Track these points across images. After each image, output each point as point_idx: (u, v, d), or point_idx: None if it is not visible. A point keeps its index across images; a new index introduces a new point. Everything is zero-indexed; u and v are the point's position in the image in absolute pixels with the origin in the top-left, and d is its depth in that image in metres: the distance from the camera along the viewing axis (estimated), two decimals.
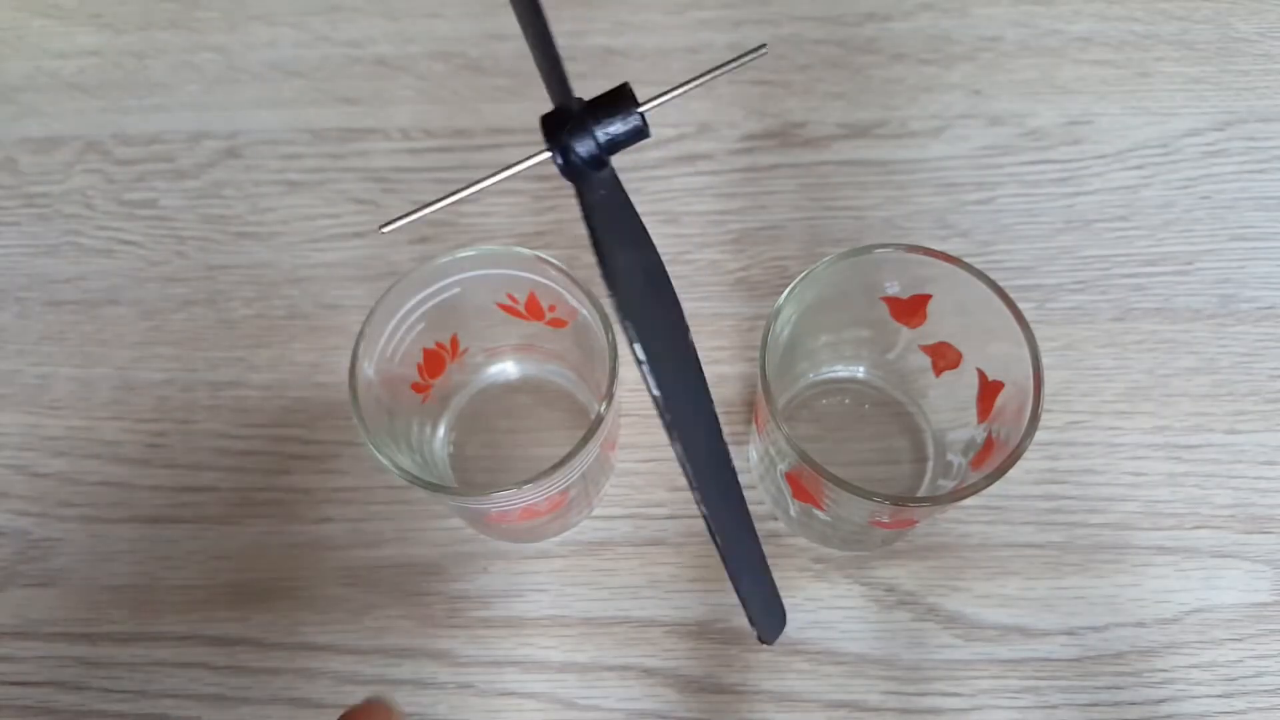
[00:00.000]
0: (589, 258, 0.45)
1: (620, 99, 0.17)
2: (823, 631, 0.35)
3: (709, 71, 0.19)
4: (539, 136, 0.47)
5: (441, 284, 0.32)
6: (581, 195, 0.17)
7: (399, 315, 0.31)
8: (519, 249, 0.31)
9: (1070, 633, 0.35)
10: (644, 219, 0.44)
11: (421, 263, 0.31)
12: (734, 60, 0.19)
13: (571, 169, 0.17)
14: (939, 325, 0.33)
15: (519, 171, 0.20)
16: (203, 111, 0.46)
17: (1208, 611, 0.35)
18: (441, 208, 0.18)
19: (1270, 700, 0.33)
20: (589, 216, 0.17)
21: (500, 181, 0.19)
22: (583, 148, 0.17)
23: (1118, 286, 0.40)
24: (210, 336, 0.41)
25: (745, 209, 0.42)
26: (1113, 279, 0.40)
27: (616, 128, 0.17)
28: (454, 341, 0.35)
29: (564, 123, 0.17)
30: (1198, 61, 0.45)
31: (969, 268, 0.30)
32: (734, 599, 0.35)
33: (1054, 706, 0.34)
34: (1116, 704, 0.34)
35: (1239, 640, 0.34)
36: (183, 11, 0.48)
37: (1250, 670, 0.34)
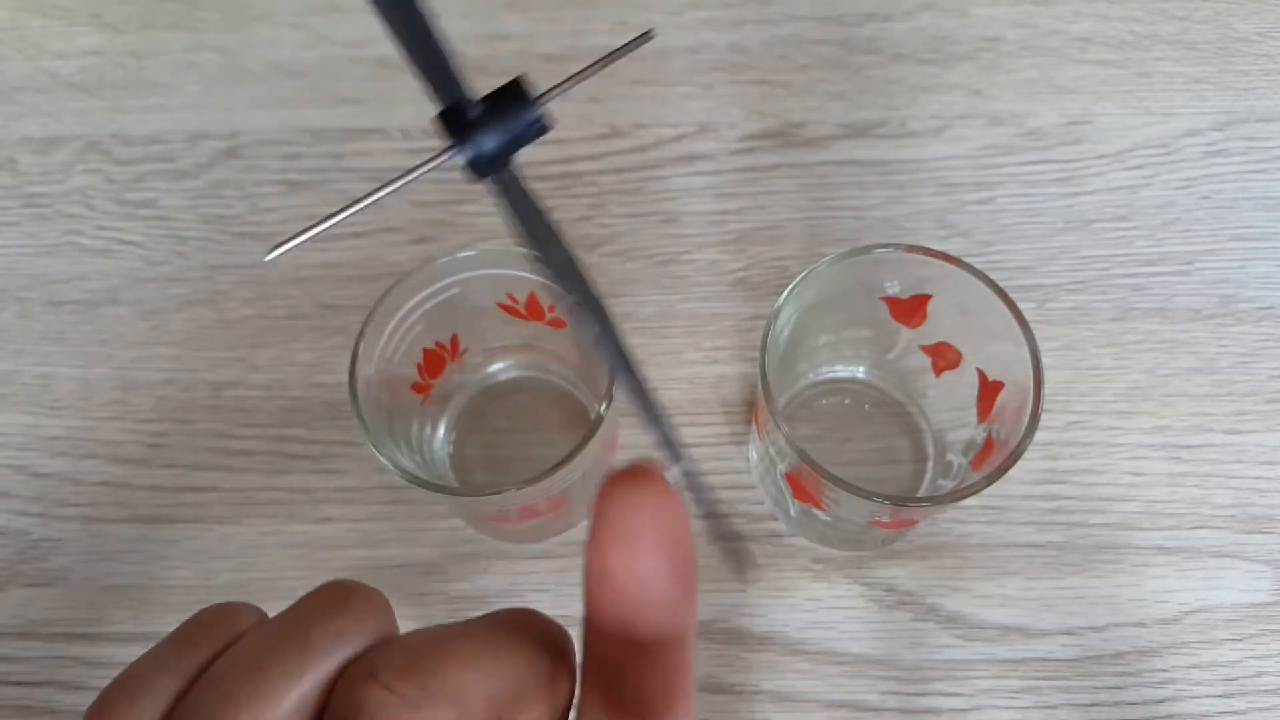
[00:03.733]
0: (589, 258, 0.45)
1: (513, 94, 0.15)
2: (823, 631, 0.35)
3: (602, 60, 0.17)
4: (538, 138, 0.47)
5: (441, 284, 0.32)
6: (505, 192, 0.16)
7: (399, 315, 0.31)
8: (519, 249, 0.31)
9: (1070, 633, 0.35)
10: (644, 219, 0.44)
11: (421, 263, 0.31)
12: (624, 46, 0.17)
13: (482, 164, 0.16)
14: (939, 325, 0.33)
15: (424, 173, 0.18)
16: (203, 111, 0.46)
17: (1208, 611, 0.35)
18: (333, 225, 0.17)
19: (1270, 700, 0.33)
20: (515, 212, 0.16)
21: (402, 187, 0.18)
22: (489, 142, 0.15)
23: (1118, 286, 0.40)
24: (210, 336, 0.41)
25: (745, 209, 0.42)
26: (1113, 279, 0.40)
27: (517, 122, 0.16)
28: (454, 341, 0.35)
29: (461, 119, 0.15)
30: (1198, 61, 0.45)
31: (969, 268, 0.30)
32: (734, 598, 0.35)
33: (1054, 706, 0.34)
34: (1116, 704, 0.34)
35: (1239, 640, 0.34)
36: (183, 11, 0.48)
37: (1250, 670, 0.34)
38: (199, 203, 0.44)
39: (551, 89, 0.16)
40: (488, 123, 0.15)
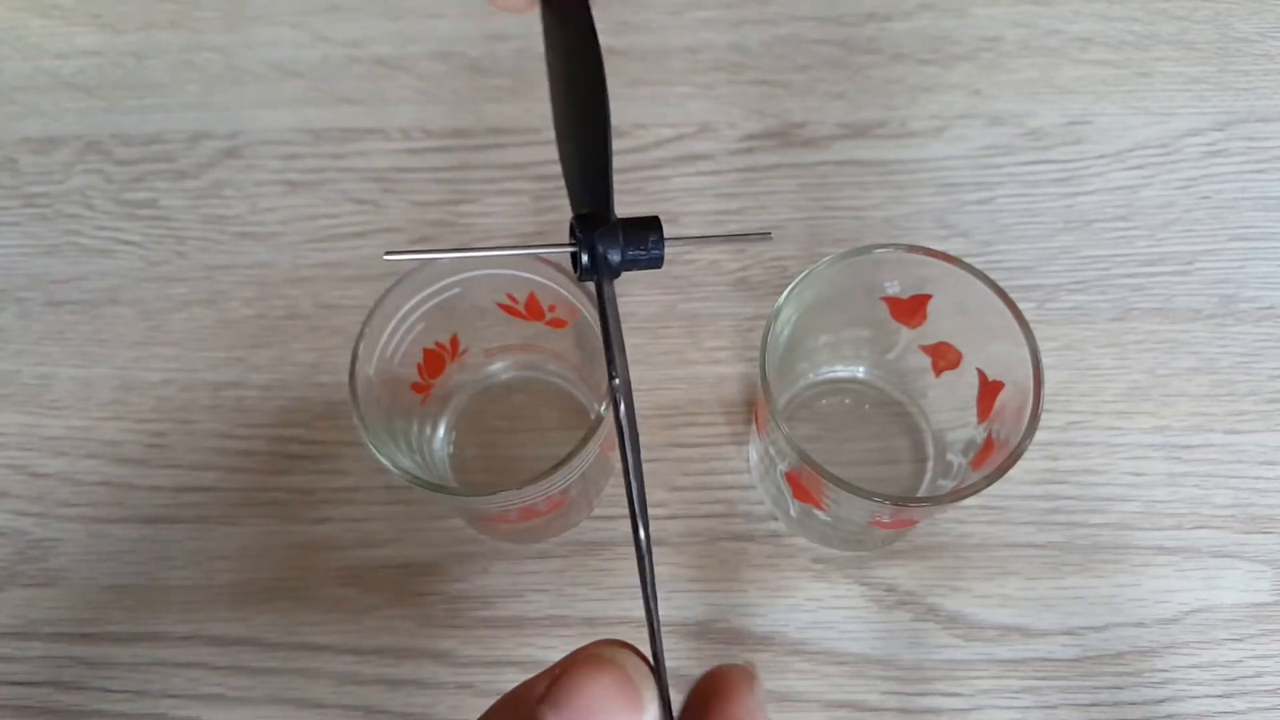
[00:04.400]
0: None
1: (649, 226, 0.19)
2: (823, 631, 0.35)
3: (721, 238, 0.22)
4: (539, 138, 0.48)
5: (441, 284, 0.32)
6: (600, 293, 0.19)
7: (399, 315, 0.31)
8: (519, 249, 0.31)
9: (1070, 633, 0.35)
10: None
11: (422, 263, 0.31)
12: (741, 236, 0.24)
13: (593, 267, 0.18)
14: (939, 325, 0.33)
15: (541, 253, 0.22)
16: (203, 111, 0.46)
17: (1208, 611, 0.35)
18: (448, 256, 0.19)
19: (1270, 700, 0.33)
20: (603, 311, 0.19)
21: (516, 256, 0.22)
22: (613, 254, 0.18)
23: (1118, 286, 0.40)
24: (210, 336, 0.41)
25: (745, 209, 0.42)
26: (1113, 279, 0.40)
27: (639, 251, 0.19)
28: (454, 341, 0.35)
29: (598, 227, 0.18)
30: (1198, 61, 0.45)
31: (969, 268, 0.30)
32: (734, 598, 0.35)
33: (1054, 706, 0.34)
34: (1116, 704, 0.34)
35: (1239, 640, 0.34)
36: (183, 11, 0.48)
37: (1250, 670, 0.34)
38: (199, 203, 0.44)
39: (678, 239, 0.20)
40: (619, 236, 0.18)
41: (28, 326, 0.41)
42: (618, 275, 0.19)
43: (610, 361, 0.19)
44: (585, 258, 0.18)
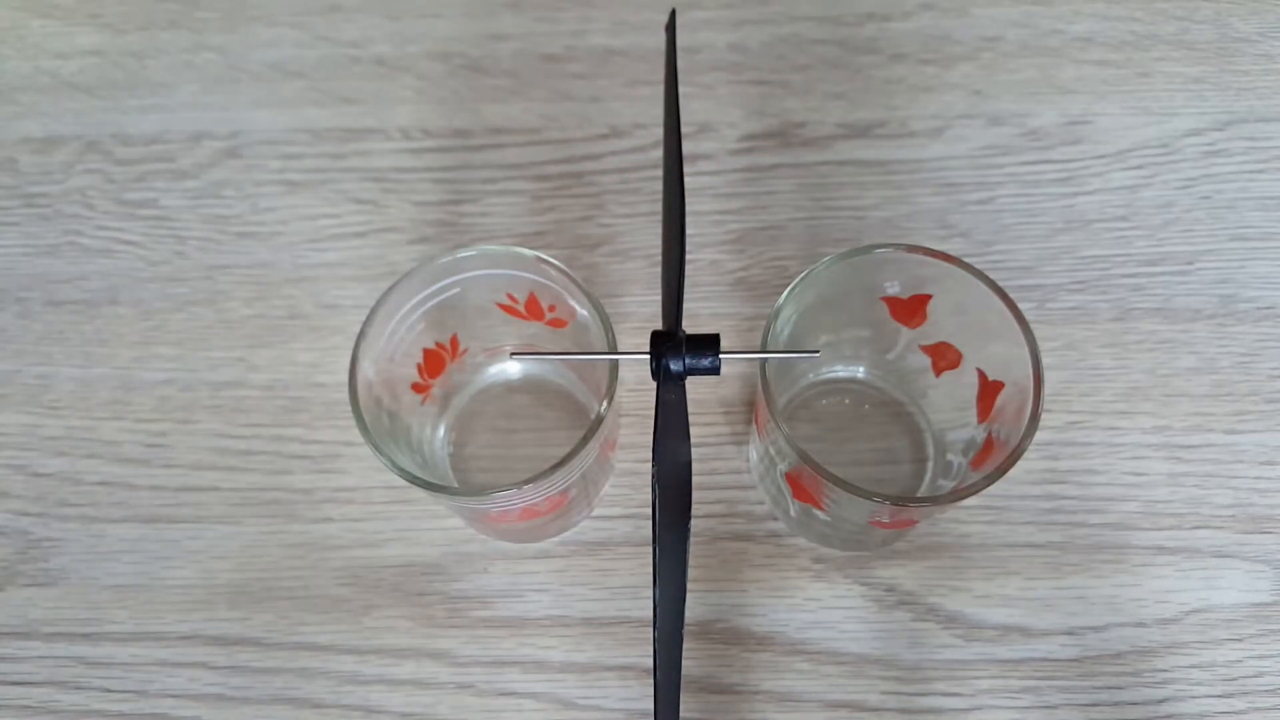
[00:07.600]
0: (589, 258, 0.46)
1: (709, 343, 0.23)
2: (823, 631, 0.35)
3: (779, 353, 0.28)
4: (539, 138, 0.48)
5: (441, 284, 0.32)
6: (659, 392, 0.23)
7: (399, 315, 0.32)
8: (519, 249, 0.31)
9: (1070, 633, 0.35)
10: (644, 219, 0.44)
11: (421, 263, 0.31)
12: (792, 353, 0.30)
13: (657, 374, 0.23)
14: (939, 325, 0.33)
15: (621, 359, 0.27)
16: (203, 111, 0.46)
17: (1208, 611, 0.35)
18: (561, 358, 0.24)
19: (1270, 700, 0.33)
20: (658, 408, 0.23)
21: (602, 360, 0.26)
22: (674, 365, 0.23)
23: (1118, 286, 0.40)
24: (210, 336, 0.41)
25: (745, 209, 0.42)
26: (1113, 279, 0.40)
27: (699, 361, 0.23)
28: (454, 341, 0.35)
29: (666, 343, 0.23)
30: (1198, 61, 0.45)
31: (969, 268, 0.30)
32: (734, 598, 0.35)
33: (1054, 706, 0.34)
34: (1116, 704, 0.34)
35: (1239, 640, 0.34)
36: (183, 11, 0.48)
37: (1250, 670, 0.34)
38: (199, 203, 0.44)
39: (732, 352, 0.24)
40: (681, 350, 0.23)
41: (28, 326, 0.41)
42: (682, 379, 0.23)
43: (653, 450, 0.22)
44: (653, 364, 0.23)
